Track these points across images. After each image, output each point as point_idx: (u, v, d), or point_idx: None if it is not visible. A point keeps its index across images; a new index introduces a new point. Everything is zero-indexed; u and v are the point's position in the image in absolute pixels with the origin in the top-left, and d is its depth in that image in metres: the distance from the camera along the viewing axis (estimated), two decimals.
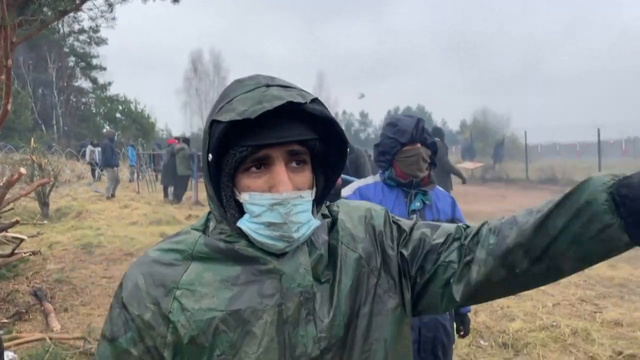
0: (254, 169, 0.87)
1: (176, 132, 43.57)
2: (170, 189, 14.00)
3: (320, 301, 0.89)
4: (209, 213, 0.97)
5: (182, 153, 13.34)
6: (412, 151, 2.28)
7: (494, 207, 12.57)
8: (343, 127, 0.94)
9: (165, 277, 0.88)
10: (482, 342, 4.23)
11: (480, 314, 4.74)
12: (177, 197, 13.62)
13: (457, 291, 0.93)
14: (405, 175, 2.32)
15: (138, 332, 0.86)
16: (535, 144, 31.60)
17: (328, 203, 1.04)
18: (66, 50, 40.05)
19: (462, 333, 2.58)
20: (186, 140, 14.57)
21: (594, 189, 0.77)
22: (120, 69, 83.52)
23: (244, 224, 0.87)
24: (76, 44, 40.84)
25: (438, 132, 8.60)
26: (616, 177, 0.78)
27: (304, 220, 0.87)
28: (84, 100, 43.19)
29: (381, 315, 0.93)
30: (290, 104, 0.82)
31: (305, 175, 0.90)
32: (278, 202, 0.84)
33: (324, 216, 1.00)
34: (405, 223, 1.04)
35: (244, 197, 0.87)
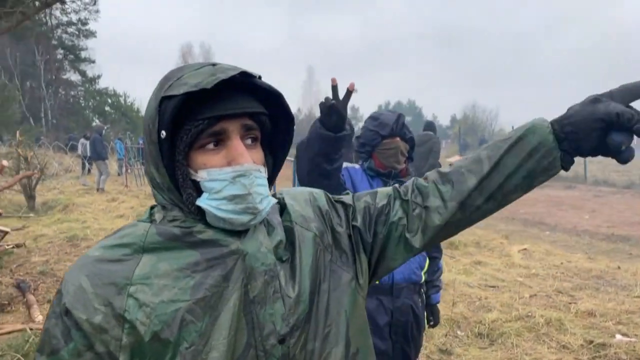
0: (210, 145, 0.84)
1: None
2: None
3: (284, 279, 0.89)
4: (152, 207, 0.94)
5: None
6: (392, 144, 2.37)
7: None
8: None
9: (114, 274, 0.81)
10: (459, 332, 4.31)
11: (458, 305, 4.83)
12: None
13: (416, 240, 1.02)
14: (384, 166, 2.40)
15: (85, 340, 0.78)
16: None
17: (273, 191, 1.07)
18: (54, 42, 39.63)
19: (431, 323, 2.65)
20: None
21: (542, 133, 0.95)
22: (109, 62, 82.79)
23: (203, 202, 0.84)
24: (64, 36, 40.49)
25: (430, 126, 8.71)
26: (547, 121, 0.96)
27: (264, 192, 0.87)
28: (72, 93, 42.84)
29: (338, 289, 0.96)
30: (243, 74, 0.84)
31: (259, 152, 0.90)
32: (240, 174, 0.83)
33: None
34: (346, 198, 1.09)
35: (201, 175, 0.84)
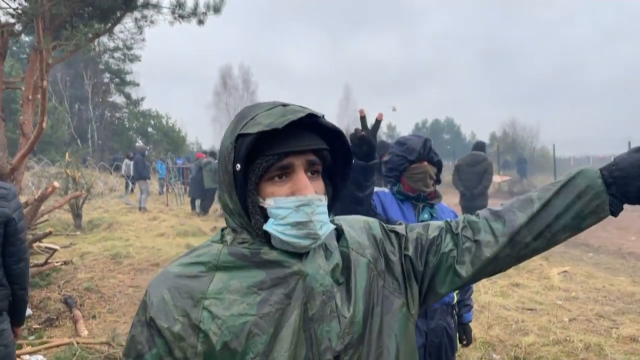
0: (277, 178, 0.94)
1: (206, 146, 44.42)
2: (198, 202, 14.34)
3: (340, 300, 0.97)
4: (223, 229, 1.04)
5: (209, 166, 13.66)
6: (419, 169, 2.43)
7: None
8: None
9: (191, 288, 0.92)
10: (494, 355, 4.26)
11: (494, 328, 4.77)
12: (204, 210, 13.93)
13: (464, 271, 1.08)
14: (412, 189, 2.46)
15: (166, 346, 0.90)
16: (567, 156, 31.01)
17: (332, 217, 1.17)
18: (101, 67, 41.35)
19: (464, 342, 2.67)
20: (213, 154, 14.91)
21: (591, 176, 1.03)
22: (152, 85, 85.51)
23: (269, 227, 0.93)
24: (111, 61, 42.12)
25: (481, 146, 8.67)
26: (597, 168, 1.04)
27: (325, 220, 0.96)
28: (117, 115, 44.44)
29: (390, 313, 1.03)
30: (310, 116, 0.94)
31: (320, 184, 0.99)
32: (304, 203, 0.92)
33: None
34: (400, 228, 1.16)
35: (269, 203, 0.94)
